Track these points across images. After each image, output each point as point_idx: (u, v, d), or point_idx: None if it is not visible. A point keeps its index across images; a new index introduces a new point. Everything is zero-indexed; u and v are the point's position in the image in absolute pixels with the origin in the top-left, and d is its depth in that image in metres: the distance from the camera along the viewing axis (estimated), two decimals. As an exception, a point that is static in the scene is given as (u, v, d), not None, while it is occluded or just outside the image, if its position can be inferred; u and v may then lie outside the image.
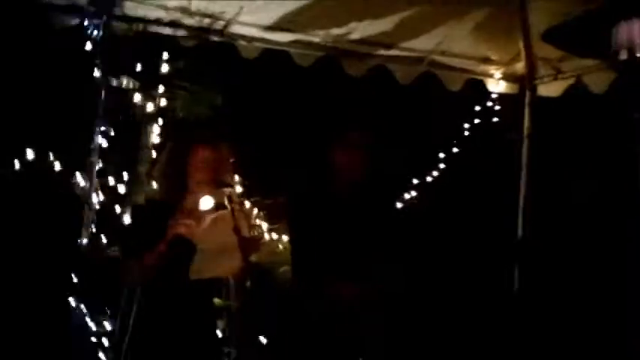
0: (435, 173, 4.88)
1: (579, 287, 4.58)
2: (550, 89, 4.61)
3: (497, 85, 4.73)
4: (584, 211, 5.11)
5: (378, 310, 3.36)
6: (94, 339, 3.54)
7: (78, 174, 3.82)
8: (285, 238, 4.40)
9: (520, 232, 4.52)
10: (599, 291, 4.45)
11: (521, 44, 4.38)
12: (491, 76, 4.69)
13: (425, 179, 4.87)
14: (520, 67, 4.58)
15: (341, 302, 3.13)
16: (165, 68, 4.08)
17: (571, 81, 4.48)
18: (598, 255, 4.65)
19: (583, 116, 5.02)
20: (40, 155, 3.85)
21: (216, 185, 2.69)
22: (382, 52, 4.40)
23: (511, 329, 4.25)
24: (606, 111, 4.65)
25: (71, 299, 3.63)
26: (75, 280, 3.64)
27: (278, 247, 4.47)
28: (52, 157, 3.87)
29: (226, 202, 2.63)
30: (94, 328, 3.59)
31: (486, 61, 4.63)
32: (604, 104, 4.42)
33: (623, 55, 3.37)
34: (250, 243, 2.64)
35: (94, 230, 3.75)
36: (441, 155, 4.88)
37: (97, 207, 3.78)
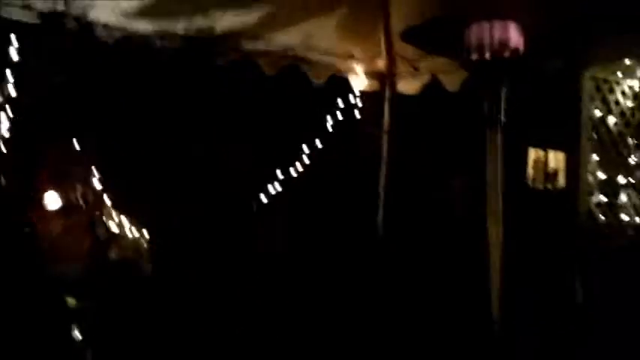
0: (299, 167, 4.92)
1: (435, 280, 4.74)
2: (408, 87, 4.81)
3: (359, 81, 4.85)
4: (442, 205, 5.34)
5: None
6: None
7: None
8: (147, 235, 4.26)
9: (380, 225, 4.66)
10: (455, 284, 4.61)
11: (382, 42, 4.52)
12: (354, 71, 4.81)
13: (288, 173, 4.91)
14: (381, 64, 4.70)
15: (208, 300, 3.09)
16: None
17: (427, 79, 4.69)
18: (455, 250, 4.83)
19: (441, 113, 5.24)
20: None
21: (70, 180, 2.56)
22: (248, 44, 4.38)
23: (370, 321, 4.37)
24: (461, 108, 4.91)
25: None
26: None
27: (141, 243, 4.31)
28: None
29: (78, 198, 2.50)
30: None
31: (350, 57, 4.73)
32: (459, 101, 4.65)
33: (474, 56, 3.59)
34: (106, 241, 2.54)
35: None
36: (305, 149, 4.93)
37: None
